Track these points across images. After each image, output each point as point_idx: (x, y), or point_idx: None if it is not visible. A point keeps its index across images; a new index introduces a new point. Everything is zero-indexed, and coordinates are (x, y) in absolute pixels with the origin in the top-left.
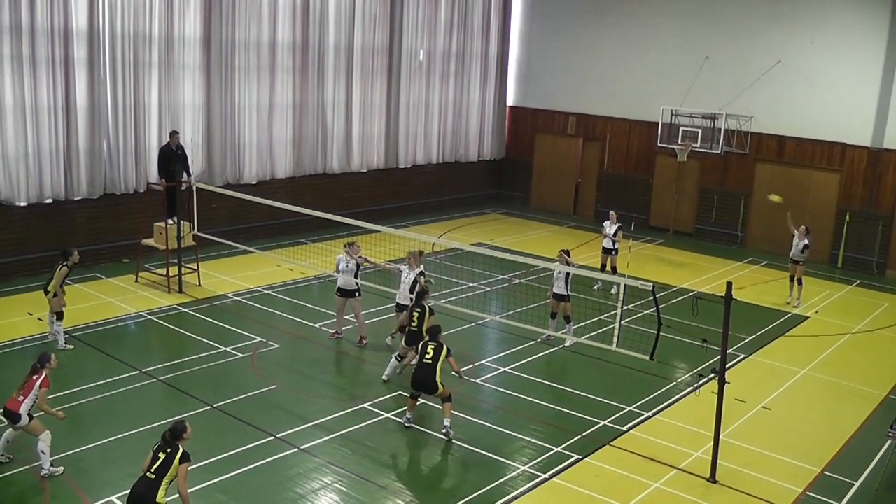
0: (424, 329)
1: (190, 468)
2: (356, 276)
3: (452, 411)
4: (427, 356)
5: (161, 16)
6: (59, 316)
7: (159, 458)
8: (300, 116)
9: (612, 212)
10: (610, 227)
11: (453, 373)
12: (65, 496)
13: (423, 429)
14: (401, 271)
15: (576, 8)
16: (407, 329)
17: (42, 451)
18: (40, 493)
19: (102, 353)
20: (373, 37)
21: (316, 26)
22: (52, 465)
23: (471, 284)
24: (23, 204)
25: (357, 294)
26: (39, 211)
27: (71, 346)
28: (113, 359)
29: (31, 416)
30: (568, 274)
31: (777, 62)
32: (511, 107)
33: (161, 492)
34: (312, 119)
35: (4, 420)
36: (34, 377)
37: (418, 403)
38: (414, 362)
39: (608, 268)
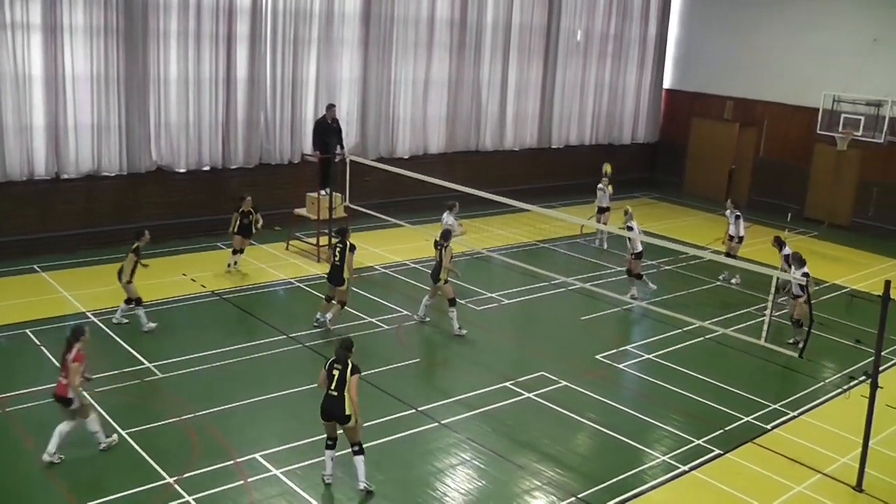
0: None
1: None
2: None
3: None
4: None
5: None
6: (138, 302)
7: (334, 375)
8: (455, 93)
9: (728, 201)
10: (730, 216)
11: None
12: (213, 450)
13: (564, 411)
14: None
15: None
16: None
17: (94, 432)
18: (189, 446)
19: (251, 316)
20: (531, 16)
21: (474, 4)
22: (106, 437)
23: (618, 269)
24: (182, 170)
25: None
26: (198, 177)
27: (154, 324)
28: (262, 322)
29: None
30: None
31: None
32: (667, 90)
33: (347, 405)
34: (467, 96)
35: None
36: (67, 355)
37: None
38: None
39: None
